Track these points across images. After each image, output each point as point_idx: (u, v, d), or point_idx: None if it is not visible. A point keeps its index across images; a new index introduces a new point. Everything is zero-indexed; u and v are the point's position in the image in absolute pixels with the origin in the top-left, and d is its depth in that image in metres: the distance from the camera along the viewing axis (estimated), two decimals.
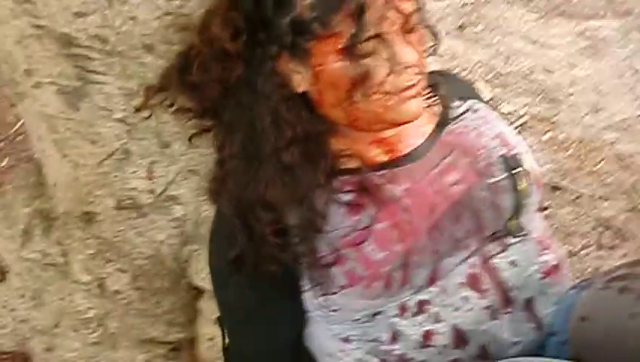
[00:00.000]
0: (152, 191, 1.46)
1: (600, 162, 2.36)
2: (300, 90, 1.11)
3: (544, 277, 1.17)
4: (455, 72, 2.78)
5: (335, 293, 1.12)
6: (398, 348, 1.13)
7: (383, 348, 1.14)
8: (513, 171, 1.17)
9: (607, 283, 1.10)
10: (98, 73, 1.36)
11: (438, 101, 1.24)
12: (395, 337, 1.13)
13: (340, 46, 1.03)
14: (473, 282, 1.13)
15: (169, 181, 1.45)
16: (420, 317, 1.12)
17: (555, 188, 2.27)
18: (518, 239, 1.16)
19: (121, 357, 1.66)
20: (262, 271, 1.13)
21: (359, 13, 1.01)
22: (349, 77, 1.06)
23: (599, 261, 2.00)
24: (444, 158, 1.17)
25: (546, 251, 1.19)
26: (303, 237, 1.11)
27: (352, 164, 1.15)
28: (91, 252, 1.54)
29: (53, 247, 1.66)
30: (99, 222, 1.52)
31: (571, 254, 2.04)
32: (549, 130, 2.51)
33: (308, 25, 1.03)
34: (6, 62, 1.51)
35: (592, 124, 2.54)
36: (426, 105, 1.15)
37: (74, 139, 1.46)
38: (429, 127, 1.21)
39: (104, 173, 1.46)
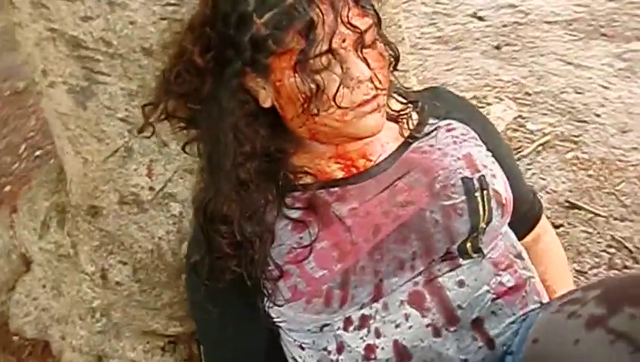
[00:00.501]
0: (152, 189, 1.54)
1: (621, 183, 2.34)
2: (266, 105, 1.17)
3: (497, 298, 1.18)
4: (482, 90, 2.80)
5: (282, 305, 1.16)
6: (343, 359, 1.17)
7: (331, 357, 1.18)
8: (475, 194, 1.18)
9: (560, 306, 1.11)
10: (103, 74, 1.44)
11: (411, 117, 1.27)
12: (341, 349, 1.17)
13: (292, 62, 1.08)
14: (415, 300, 1.15)
15: (167, 179, 1.52)
16: (362, 332, 1.15)
17: (572, 206, 2.26)
18: (470, 260, 1.18)
19: (123, 347, 1.74)
20: (219, 279, 1.18)
21: (308, 30, 1.06)
22: (302, 92, 1.10)
23: None
24: (400, 178, 1.20)
25: (502, 272, 1.19)
26: (252, 251, 1.16)
27: (308, 180, 1.20)
28: (96, 244, 1.62)
29: (65, 239, 1.76)
30: (104, 216, 1.60)
31: (580, 273, 2.03)
32: (571, 150, 2.51)
33: (264, 42, 1.08)
34: (27, 62, 1.62)
35: (618, 145, 2.53)
36: (383, 120, 1.17)
37: (83, 136, 1.56)
38: (395, 144, 1.25)
39: (109, 169, 1.55)
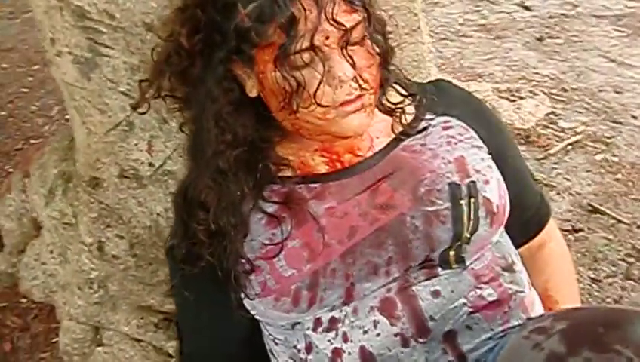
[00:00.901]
0: (151, 165, 1.52)
1: None
2: (252, 95, 1.13)
3: (474, 312, 1.12)
4: (517, 83, 2.72)
5: (253, 299, 1.14)
6: (312, 359, 1.13)
7: (301, 356, 1.14)
8: (460, 201, 1.13)
9: (530, 333, 1.05)
10: (106, 47, 1.43)
11: (405, 112, 1.22)
12: (310, 349, 1.13)
13: (274, 56, 1.05)
14: (386, 307, 1.11)
15: (167, 156, 1.51)
16: (330, 334, 1.12)
17: (594, 211, 2.19)
18: (449, 270, 1.13)
19: (118, 320, 1.74)
20: (194, 265, 1.16)
21: (289, 25, 1.02)
22: (282, 87, 1.07)
23: (622, 292, 1.92)
24: (385, 178, 1.15)
25: (484, 285, 1.14)
26: (225, 242, 1.13)
27: (289, 173, 1.17)
28: (94, 216, 1.62)
29: (68, 208, 1.76)
30: (104, 188, 1.60)
31: (594, 281, 1.96)
32: (602, 151, 2.42)
33: (247, 33, 1.05)
34: (38, 29, 1.61)
35: None
36: (368, 120, 1.13)
37: (87, 107, 1.55)
38: (386, 139, 1.20)
39: (110, 142, 1.54)
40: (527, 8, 3.67)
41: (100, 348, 1.80)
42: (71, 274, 1.82)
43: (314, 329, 1.13)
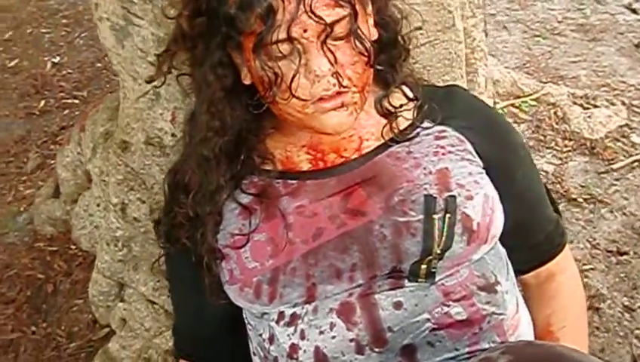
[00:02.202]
0: (174, 135, 1.56)
1: None
2: (246, 82, 1.14)
3: (437, 329, 1.09)
4: (597, 90, 2.59)
5: (224, 284, 1.16)
6: (273, 350, 1.14)
7: (265, 345, 1.16)
8: (434, 215, 1.10)
9: (479, 361, 1.02)
10: (137, 17, 1.46)
11: (396, 118, 1.20)
12: (272, 340, 1.14)
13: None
14: (344, 311, 1.09)
15: None
16: (290, 329, 1.12)
17: None
18: (415, 284, 1.10)
19: (138, 279, 1.80)
20: (172, 245, 1.21)
21: (266, 15, 1.02)
22: (260, 77, 1.08)
23: None
24: (361, 183, 1.13)
25: (452, 303, 1.10)
26: (200, 229, 1.16)
27: (270, 167, 1.17)
28: (120, 177, 1.67)
29: (103, 166, 1.83)
30: (131, 152, 1.64)
31: (627, 309, 1.87)
32: None
33: (233, 20, 1.05)
34: None
35: None
36: (350, 120, 1.11)
37: (122, 73, 1.59)
38: (376, 143, 1.18)
39: (139, 108, 1.58)
40: (634, 11, 3.48)
41: (120, 304, 1.87)
42: (103, 230, 1.90)
43: (277, 322, 1.14)
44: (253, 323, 1.20)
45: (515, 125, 2.46)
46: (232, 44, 1.11)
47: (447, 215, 1.10)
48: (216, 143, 1.16)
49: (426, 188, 1.12)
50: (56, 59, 3.85)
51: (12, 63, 3.96)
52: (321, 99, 1.08)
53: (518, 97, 2.56)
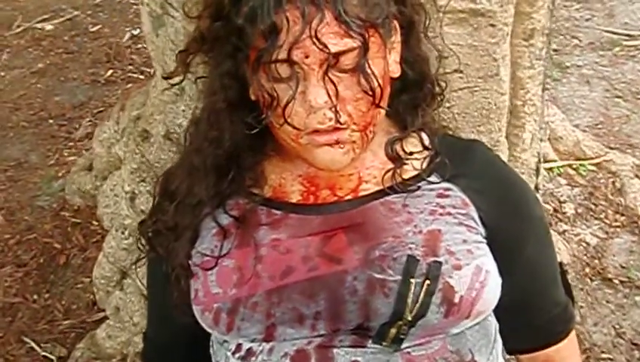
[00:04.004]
0: None
1: None
2: (253, 97, 1.08)
3: None
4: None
5: (192, 302, 1.11)
6: None
7: None
8: (411, 279, 1.01)
9: None
10: (173, 8, 1.42)
11: (400, 166, 1.11)
12: None
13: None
14: (299, 359, 1.02)
15: None
16: None
17: None
18: (379, 346, 1.02)
19: (138, 272, 1.76)
20: (149, 249, 1.16)
21: (268, 33, 0.96)
22: (257, 96, 1.02)
23: None
24: (346, 228, 1.06)
25: None
26: (176, 239, 1.11)
27: (262, 191, 1.11)
28: (135, 166, 1.63)
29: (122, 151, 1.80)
30: (150, 143, 1.61)
31: None
32: None
33: (241, 31, 0.99)
34: None
35: None
36: (346, 159, 1.03)
37: (154, 61, 1.56)
38: (375, 187, 1.10)
39: (164, 101, 1.54)
40: None
41: (118, 292, 1.84)
42: (115, 215, 1.87)
43: (233, 353, 1.08)
44: (215, 348, 1.14)
45: (567, 188, 2.33)
46: (241, 55, 1.05)
47: (427, 281, 1.01)
48: (208, 155, 1.11)
49: (410, 248, 1.03)
50: (136, 32, 3.89)
51: (94, 29, 4.03)
52: (315, 131, 1.00)
53: (578, 159, 2.42)
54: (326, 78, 0.97)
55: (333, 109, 0.98)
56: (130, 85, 3.32)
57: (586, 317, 1.91)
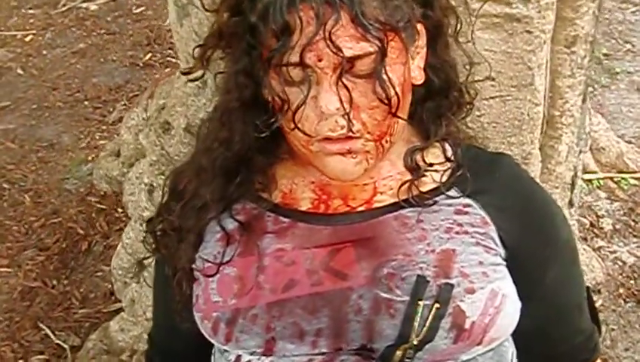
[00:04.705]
0: None
1: None
2: (266, 97, 1.02)
3: None
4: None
5: (193, 306, 1.07)
6: None
7: None
8: (419, 301, 0.95)
9: None
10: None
11: (434, 178, 1.05)
12: None
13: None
14: None
15: None
16: None
17: None
18: None
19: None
20: (154, 248, 1.13)
21: (280, 34, 0.90)
22: (266, 97, 0.98)
23: None
24: (355, 242, 1.00)
25: None
26: (180, 241, 1.07)
27: (269, 197, 1.07)
28: (154, 159, 1.60)
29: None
30: (170, 135, 1.57)
31: None
32: None
33: (254, 29, 0.94)
34: None
35: None
36: (359, 169, 0.98)
37: (179, 51, 1.52)
38: (390, 199, 1.04)
39: (186, 93, 1.50)
40: None
41: (135, 284, 1.81)
42: (136, 205, 1.84)
43: None
44: (216, 356, 1.10)
45: (607, 202, 2.23)
46: (255, 53, 1.00)
47: (436, 304, 0.95)
48: (217, 156, 1.06)
49: (421, 268, 0.97)
50: None
51: (137, 10, 4.01)
52: (326, 138, 0.95)
53: (621, 172, 2.32)
54: (340, 83, 0.92)
55: (346, 117, 0.93)
56: (167, 70, 3.30)
57: (617, 341, 1.82)
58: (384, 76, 0.92)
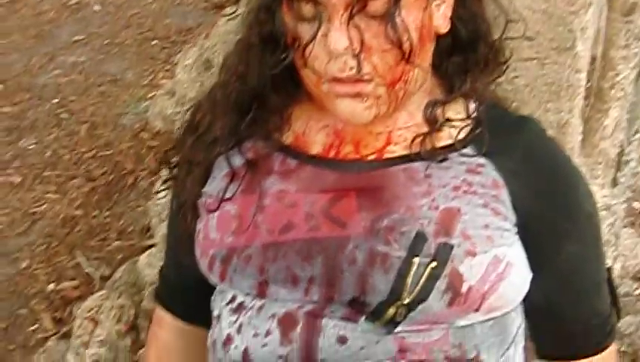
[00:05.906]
0: None
1: None
2: (279, 32, 1.01)
3: None
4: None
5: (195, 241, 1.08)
6: (217, 330, 1.04)
7: (214, 322, 1.06)
8: (415, 258, 0.93)
9: None
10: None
11: (448, 131, 1.01)
12: (219, 319, 1.04)
13: None
14: (286, 322, 0.96)
15: None
16: (232, 317, 1.01)
17: None
18: (371, 324, 0.94)
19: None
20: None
21: None
22: (278, 33, 0.96)
23: None
24: (359, 190, 0.98)
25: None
26: (188, 174, 1.06)
27: (281, 137, 1.05)
28: (192, 96, 1.60)
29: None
30: (210, 73, 1.57)
31: None
32: None
33: None
34: None
35: None
36: (369, 114, 0.95)
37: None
38: (403, 151, 1.01)
39: (227, 31, 1.52)
40: None
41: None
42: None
43: (227, 304, 1.03)
44: (215, 295, 1.09)
45: None
46: None
47: (433, 263, 0.91)
48: (232, 91, 1.06)
49: (422, 224, 0.93)
50: None
51: None
52: (336, 79, 0.93)
53: None
54: (351, 22, 0.89)
55: (356, 58, 0.90)
56: None
57: None
58: (397, 19, 0.89)
